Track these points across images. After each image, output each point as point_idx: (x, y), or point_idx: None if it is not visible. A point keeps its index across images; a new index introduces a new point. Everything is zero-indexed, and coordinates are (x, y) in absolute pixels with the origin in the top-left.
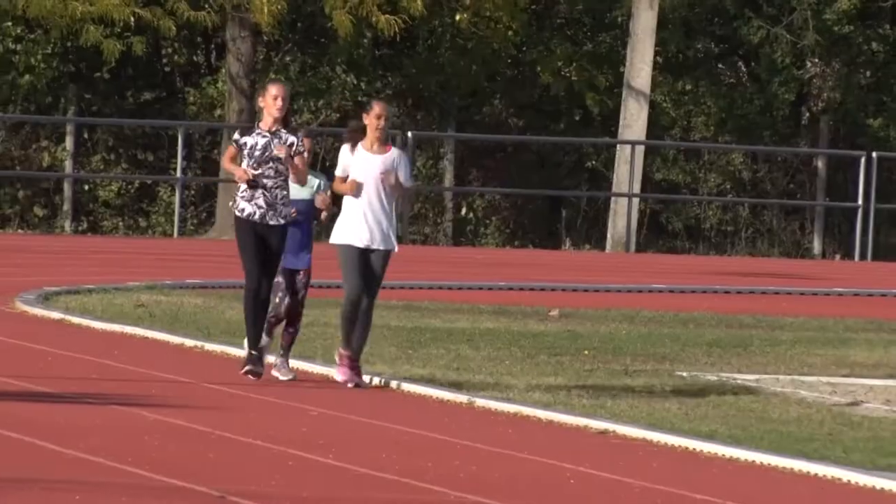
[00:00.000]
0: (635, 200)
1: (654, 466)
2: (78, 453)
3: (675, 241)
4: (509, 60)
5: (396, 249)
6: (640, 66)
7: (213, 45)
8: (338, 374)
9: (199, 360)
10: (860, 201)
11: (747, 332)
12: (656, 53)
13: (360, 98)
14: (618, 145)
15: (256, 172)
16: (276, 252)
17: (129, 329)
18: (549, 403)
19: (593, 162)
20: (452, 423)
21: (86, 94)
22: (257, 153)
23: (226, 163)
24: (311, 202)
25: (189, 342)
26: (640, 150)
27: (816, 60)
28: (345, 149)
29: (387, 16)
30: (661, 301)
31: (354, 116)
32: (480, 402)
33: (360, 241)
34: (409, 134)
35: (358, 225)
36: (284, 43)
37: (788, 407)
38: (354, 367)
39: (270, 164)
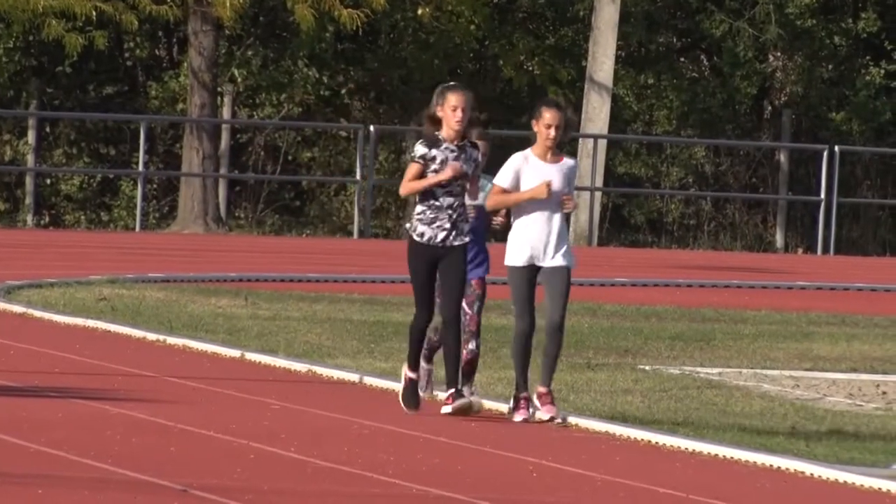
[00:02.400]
0: (597, 194)
1: (617, 460)
2: (40, 447)
3: (637, 235)
4: (471, 54)
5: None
6: (603, 60)
7: (174, 39)
8: (541, 412)
9: (161, 353)
10: (822, 195)
11: (710, 326)
12: (618, 47)
13: (322, 92)
14: (580, 139)
15: (444, 190)
16: (459, 271)
17: (91, 323)
18: (510, 397)
19: None
20: (415, 416)
21: (48, 88)
22: (440, 167)
23: (411, 184)
24: (482, 207)
25: (151, 336)
26: (603, 143)
27: (779, 54)
28: (514, 158)
29: (349, 10)
30: (624, 295)
31: (316, 110)
32: (442, 395)
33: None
34: (372, 128)
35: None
36: (246, 37)
37: (751, 400)
38: (548, 398)
39: (457, 180)
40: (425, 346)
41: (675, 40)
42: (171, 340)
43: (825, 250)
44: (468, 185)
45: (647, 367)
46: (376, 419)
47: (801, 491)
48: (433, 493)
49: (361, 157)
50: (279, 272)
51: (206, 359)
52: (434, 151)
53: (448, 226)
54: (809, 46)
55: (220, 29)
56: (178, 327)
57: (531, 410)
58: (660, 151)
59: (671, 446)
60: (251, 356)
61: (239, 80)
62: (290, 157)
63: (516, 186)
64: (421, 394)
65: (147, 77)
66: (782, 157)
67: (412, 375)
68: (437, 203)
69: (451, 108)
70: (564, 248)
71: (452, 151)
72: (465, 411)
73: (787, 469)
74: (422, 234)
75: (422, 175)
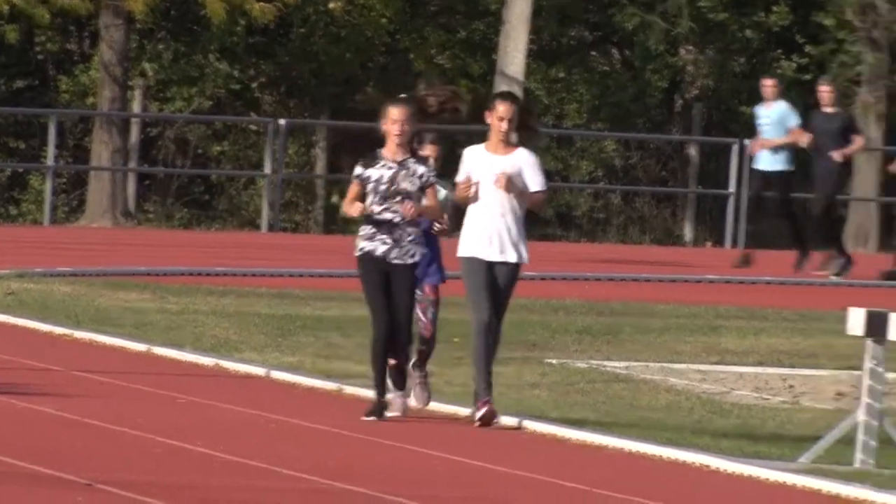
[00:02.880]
0: None
1: (523, 454)
2: None
3: (546, 229)
4: (383, 48)
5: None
6: (514, 54)
7: (86, 33)
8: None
9: (68, 347)
10: (732, 189)
11: (617, 320)
12: (530, 41)
13: (232, 86)
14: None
15: (380, 208)
16: (403, 291)
17: None
18: None
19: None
20: (321, 410)
21: None
22: (382, 187)
23: (347, 207)
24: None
25: (58, 330)
26: (513, 137)
27: (690, 48)
28: (466, 152)
29: (261, 3)
30: (532, 288)
31: (226, 104)
32: (350, 389)
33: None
34: (282, 122)
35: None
36: (158, 31)
37: (658, 394)
38: (489, 404)
39: (398, 198)
40: (414, 355)
41: (586, 34)
42: (78, 334)
43: (734, 244)
44: (410, 207)
45: (554, 361)
46: (283, 413)
47: (707, 485)
48: (339, 487)
49: (271, 151)
50: (187, 266)
51: (114, 353)
52: (370, 171)
53: (389, 241)
54: (721, 40)
55: (131, 23)
56: (85, 321)
57: (495, 413)
58: (570, 145)
59: (577, 440)
60: (158, 350)
61: (150, 73)
62: (199, 151)
63: (469, 178)
64: (418, 405)
65: (58, 71)
66: (692, 151)
67: (381, 399)
68: (376, 219)
69: (391, 122)
70: (516, 242)
71: (390, 168)
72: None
73: (694, 463)
74: (362, 249)
75: (362, 195)
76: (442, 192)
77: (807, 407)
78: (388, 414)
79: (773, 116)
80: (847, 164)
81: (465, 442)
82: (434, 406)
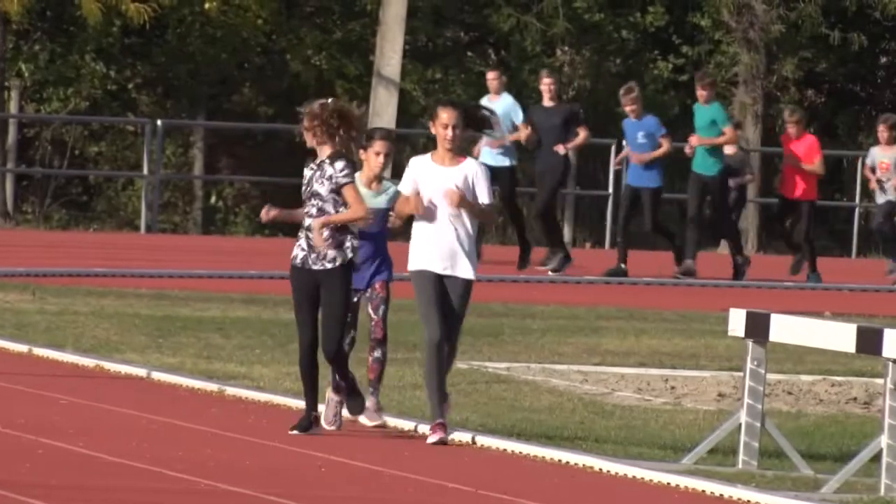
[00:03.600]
0: None
1: (406, 455)
2: None
3: None
4: (259, 49)
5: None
6: (390, 55)
7: None
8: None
9: None
10: (611, 189)
11: (498, 321)
12: (406, 42)
13: (109, 87)
14: None
15: (303, 211)
16: (330, 308)
17: None
18: (300, 392)
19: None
20: (203, 411)
21: None
22: (303, 188)
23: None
24: (386, 212)
25: None
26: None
27: (567, 48)
28: (412, 163)
29: (136, 4)
30: (412, 289)
31: (103, 105)
32: (231, 390)
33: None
34: (159, 122)
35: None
36: (34, 31)
37: (540, 395)
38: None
39: (312, 200)
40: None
41: (462, 35)
42: None
43: (613, 245)
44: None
45: None
46: (164, 414)
47: (589, 486)
48: (222, 488)
49: (149, 151)
50: (67, 267)
51: None
52: (306, 171)
53: (305, 246)
54: (597, 40)
55: (7, 23)
56: None
57: (448, 432)
58: None
59: (460, 441)
60: (39, 351)
61: (26, 74)
62: (77, 152)
63: (417, 192)
64: (330, 428)
65: None
66: (571, 152)
67: (310, 413)
68: (301, 224)
69: (307, 120)
70: (466, 256)
71: (311, 169)
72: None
73: (576, 464)
74: (294, 256)
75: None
76: (391, 186)
77: (689, 408)
78: (368, 423)
79: (499, 111)
80: (566, 159)
81: (350, 443)
82: (319, 408)
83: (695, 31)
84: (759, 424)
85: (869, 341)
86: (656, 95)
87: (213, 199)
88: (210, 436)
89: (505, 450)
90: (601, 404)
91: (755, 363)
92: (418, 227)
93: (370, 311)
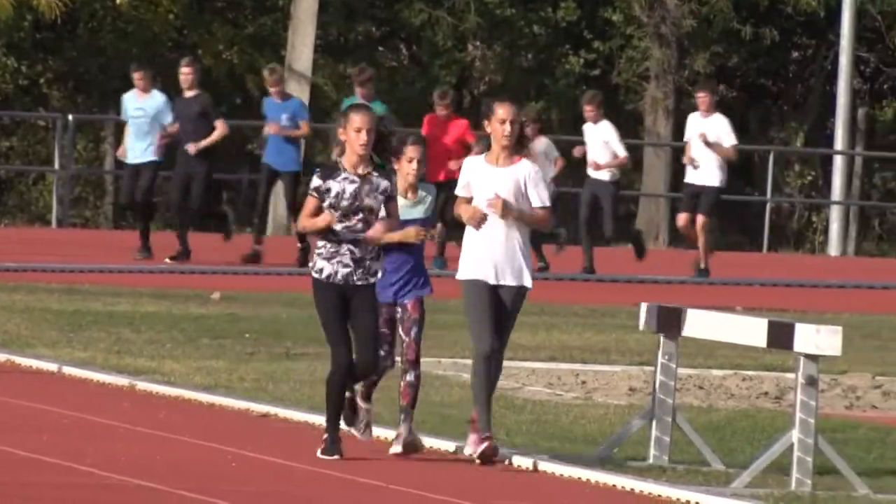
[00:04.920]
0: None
1: (316, 449)
2: None
3: None
4: (170, 43)
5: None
6: (302, 50)
7: None
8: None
9: None
10: None
11: None
12: (318, 36)
13: (20, 81)
14: None
15: (342, 225)
16: (366, 321)
17: None
18: (211, 386)
19: (253, 145)
20: (114, 406)
21: None
22: (344, 203)
23: (304, 221)
24: (425, 221)
25: None
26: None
27: (478, 43)
28: (466, 163)
29: None
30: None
31: (14, 100)
32: (142, 385)
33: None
34: (70, 117)
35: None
36: None
37: (451, 390)
38: (490, 440)
39: (361, 214)
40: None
41: (374, 30)
42: None
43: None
44: (370, 236)
45: None
46: (75, 409)
47: (501, 481)
48: (132, 482)
49: (60, 146)
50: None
51: None
52: (329, 182)
53: (349, 262)
54: (509, 35)
55: None
56: None
57: (496, 446)
58: None
59: (376, 437)
60: None
61: None
62: None
63: (471, 195)
64: (360, 436)
65: None
66: (481, 147)
67: (332, 435)
68: (336, 238)
69: (354, 131)
70: (521, 263)
71: (353, 182)
72: (414, 448)
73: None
74: (321, 271)
75: (319, 209)
76: (428, 197)
77: (600, 403)
78: (399, 450)
79: (149, 109)
80: (209, 152)
81: (258, 437)
82: (226, 401)
83: (606, 26)
84: (670, 419)
85: (780, 336)
86: (567, 90)
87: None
88: (121, 430)
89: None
90: (512, 399)
91: (666, 357)
92: (470, 234)
93: (401, 331)
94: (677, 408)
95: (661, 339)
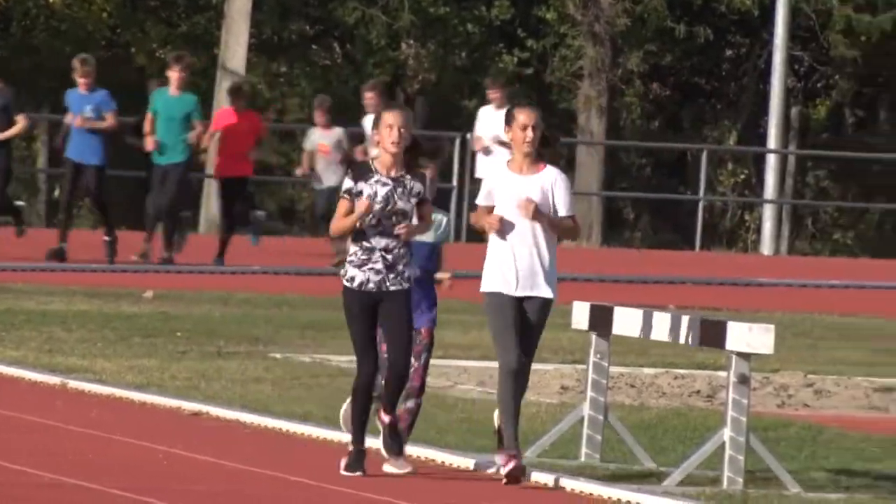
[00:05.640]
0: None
1: (248, 448)
2: None
3: (269, 223)
4: (104, 42)
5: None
6: (235, 48)
7: None
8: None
9: None
10: (455, 182)
11: (340, 314)
12: (251, 35)
13: None
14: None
15: (374, 230)
16: (400, 325)
17: None
18: (143, 385)
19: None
20: (46, 405)
21: None
22: (377, 206)
23: (337, 223)
24: (434, 246)
25: None
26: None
27: (412, 42)
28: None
29: None
30: (255, 283)
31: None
32: (73, 384)
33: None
34: None
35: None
36: None
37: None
38: (517, 458)
39: (393, 219)
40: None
41: (308, 28)
42: None
43: (457, 238)
44: (406, 227)
45: (278, 356)
46: (8, 408)
47: (432, 479)
48: (66, 481)
49: None
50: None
51: None
52: (361, 185)
53: (381, 268)
54: (442, 34)
55: None
56: None
57: (522, 462)
58: (292, 140)
59: (302, 434)
60: None
61: None
62: None
63: (493, 204)
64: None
65: None
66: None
67: (359, 448)
68: (367, 244)
69: (386, 127)
70: (547, 275)
71: (385, 184)
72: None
73: (419, 457)
74: (352, 279)
75: (351, 212)
76: (441, 218)
77: (532, 401)
78: (398, 471)
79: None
80: (5, 145)
81: (190, 435)
82: (158, 400)
83: (540, 25)
84: (601, 417)
85: (712, 334)
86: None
87: (56, 193)
88: (53, 429)
89: (347, 443)
90: (443, 397)
91: (598, 356)
92: (494, 244)
93: (412, 356)
94: (609, 406)
95: (594, 337)
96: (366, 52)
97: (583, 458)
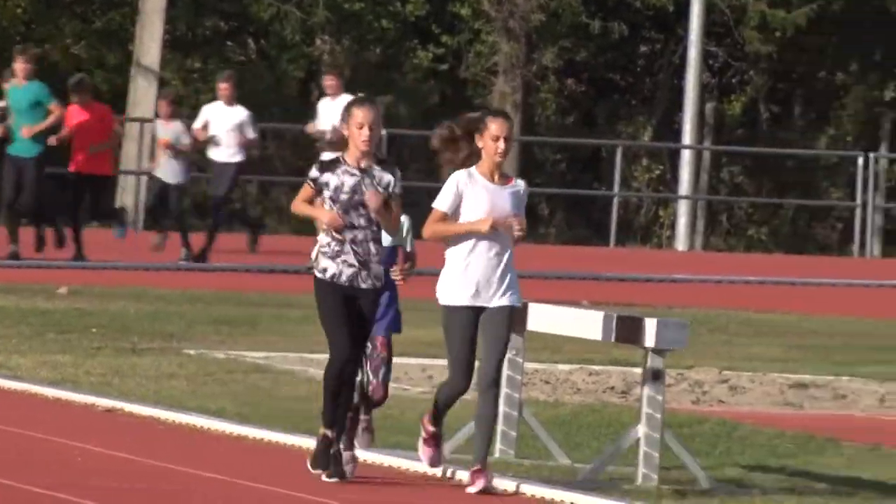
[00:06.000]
0: (143, 178)
1: (162, 444)
2: None
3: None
4: (18, 38)
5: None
6: (150, 44)
7: None
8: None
9: None
10: None
11: (256, 310)
12: (166, 31)
13: None
14: (126, 122)
15: (346, 222)
16: (368, 322)
17: None
18: (57, 381)
19: None
20: None
21: None
22: (344, 196)
23: (298, 205)
24: (393, 250)
25: None
26: (149, 127)
27: (326, 38)
28: (455, 176)
29: None
30: (169, 279)
31: None
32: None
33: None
34: None
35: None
36: None
37: (297, 385)
38: (484, 472)
39: (361, 210)
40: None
41: (222, 24)
42: None
43: None
44: (381, 219)
45: (192, 352)
46: None
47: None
48: None
49: None
50: None
51: None
52: (328, 176)
53: (354, 262)
54: (357, 30)
55: None
56: None
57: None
58: None
59: (216, 430)
60: None
61: None
62: None
63: (457, 212)
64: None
65: None
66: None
67: (327, 433)
68: (338, 235)
69: (356, 127)
70: (510, 283)
71: (353, 175)
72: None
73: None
74: (324, 270)
75: (311, 198)
76: (404, 223)
77: None
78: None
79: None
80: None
81: (104, 432)
82: (72, 396)
83: (455, 21)
84: (516, 413)
85: (627, 330)
86: (416, 85)
87: None
88: None
89: (262, 439)
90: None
91: (513, 352)
92: (454, 254)
93: (368, 371)
94: (524, 402)
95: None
96: (280, 48)
97: (497, 454)
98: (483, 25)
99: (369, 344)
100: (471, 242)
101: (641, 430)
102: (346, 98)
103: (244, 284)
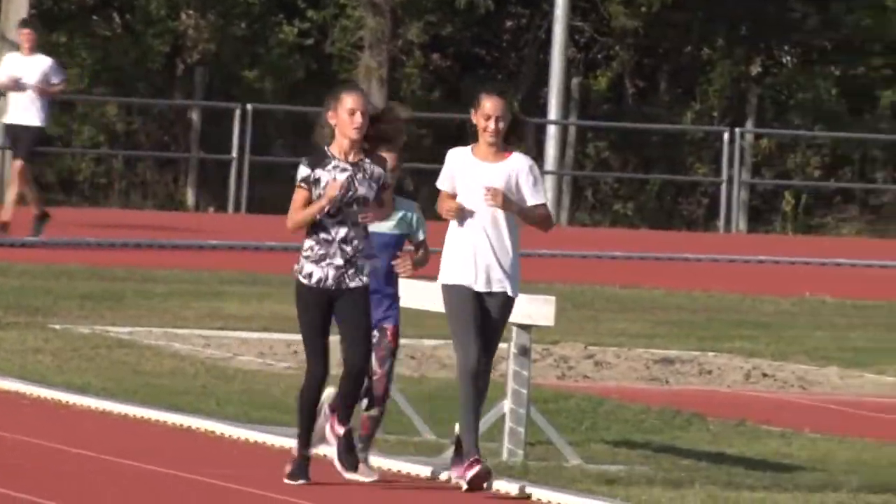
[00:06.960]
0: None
1: (27, 419)
2: None
3: (48, 193)
4: None
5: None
6: (15, 19)
7: None
8: (454, 474)
9: None
10: (234, 153)
11: (120, 285)
12: (31, 5)
13: None
14: None
15: (333, 220)
16: (359, 321)
17: None
18: None
19: None
20: None
21: None
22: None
23: (296, 215)
24: (393, 238)
25: None
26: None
27: (191, 12)
28: (451, 155)
29: None
30: (33, 254)
31: None
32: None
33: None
34: None
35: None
36: None
37: (162, 360)
38: (480, 463)
39: (354, 206)
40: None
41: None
42: None
43: (237, 209)
44: (370, 213)
45: (57, 327)
46: None
47: (212, 450)
48: None
49: None
50: None
51: None
52: (318, 172)
53: (341, 263)
54: (222, 4)
55: None
56: None
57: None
58: (72, 110)
59: (81, 405)
60: None
61: None
62: None
63: (455, 190)
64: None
65: None
66: (195, 116)
67: (303, 453)
68: (326, 236)
69: (347, 113)
70: (510, 269)
71: (344, 170)
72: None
73: (198, 428)
74: (309, 275)
75: (309, 201)
76: (407, 213)
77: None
78: (365, 479)
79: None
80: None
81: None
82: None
83: None
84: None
85: None
86: (281, 60)
87: None
88: None
89: (127, 414)
90: (223, 368)
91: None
92: (453, 235)
93: (374, 361)
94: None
95: None
96: (146, 23)
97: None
98: (349, 0)
99: (377, 332)
100: (469, 220)
101: (507, 405)
102: (41, 57)
103: (109, 259)
